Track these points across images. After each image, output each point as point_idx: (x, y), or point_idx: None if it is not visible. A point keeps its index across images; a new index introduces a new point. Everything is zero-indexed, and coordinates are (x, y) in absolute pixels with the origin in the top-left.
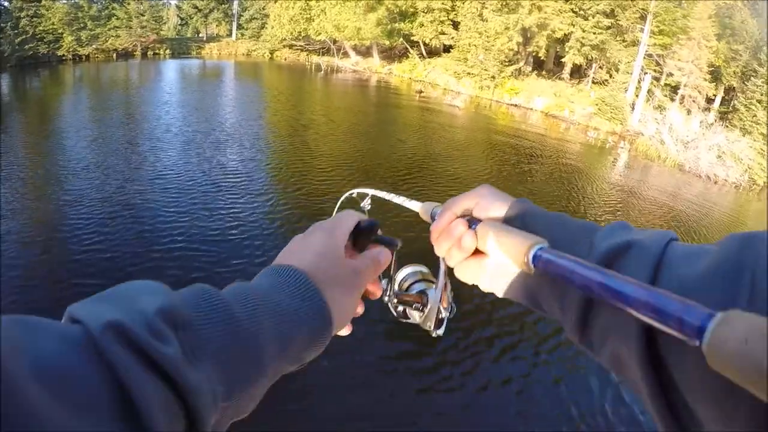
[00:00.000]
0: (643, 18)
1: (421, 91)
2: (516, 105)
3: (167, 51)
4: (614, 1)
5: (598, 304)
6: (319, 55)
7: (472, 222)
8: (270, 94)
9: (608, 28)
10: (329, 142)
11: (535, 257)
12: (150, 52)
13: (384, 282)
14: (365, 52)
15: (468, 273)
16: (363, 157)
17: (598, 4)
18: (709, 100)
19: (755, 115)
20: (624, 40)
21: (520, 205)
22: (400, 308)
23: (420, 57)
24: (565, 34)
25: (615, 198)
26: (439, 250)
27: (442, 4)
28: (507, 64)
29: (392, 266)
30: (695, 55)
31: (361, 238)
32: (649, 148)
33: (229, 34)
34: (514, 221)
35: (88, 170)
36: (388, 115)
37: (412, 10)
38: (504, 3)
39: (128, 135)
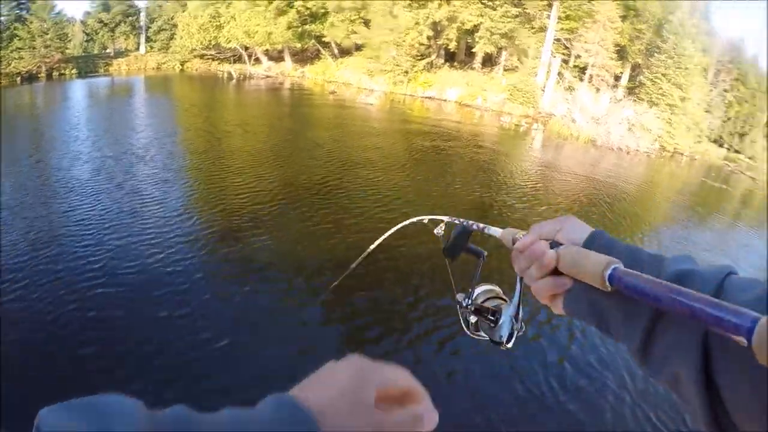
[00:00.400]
0: (549, 5)
1: (334, 92)
2: (430, 97)
3: (73, 71)
4: None
5: (659, 332)
6: (231, 63)
7: (554, 245)
8: (182, 108)
9: (516, 16)
10: (245, 154)
11: (611, 276)
12: (55, 73)
13: (460, 295)
14: (277, 57)
15: (544, 292)
16: (281, 167)
17: None
18: (617, 78)
19: (661, 88)
20: (533, 27)
21: (598, 234)
22: (473, 319)
23: (333, 57)
24: (474, 25)
25: (535, 175)
26: (519, 268)
27: (353, 2)
28: (419, 58)
29: (475, 277)
30: (601, 36)
31: (455, 243)
32: (561, 128)
33: (138, 48)
34: (591, 247)
35: None
36: (302, 119)
37: (322, 10)
38: None
39: (35, 168)
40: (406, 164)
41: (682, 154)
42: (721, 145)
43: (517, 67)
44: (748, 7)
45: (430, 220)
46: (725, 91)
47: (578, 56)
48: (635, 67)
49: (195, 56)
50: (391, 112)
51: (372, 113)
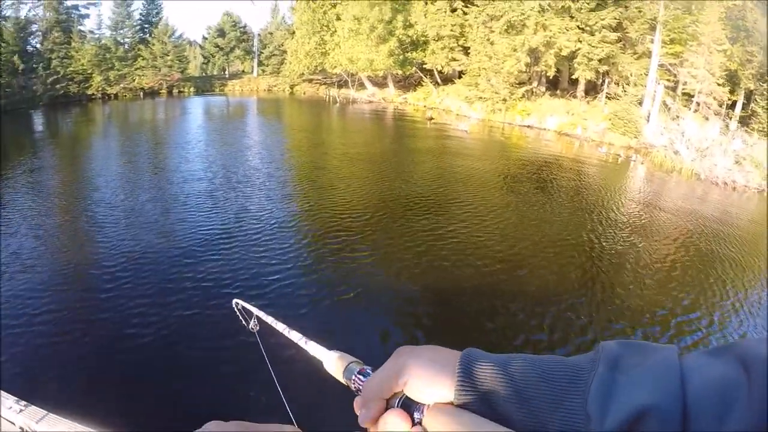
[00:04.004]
0: (653, 28)
1: (431, 118)
2: (529, 126)
3: (191, 89)
4: (621, 15)
5: None
6: (336, 87)
7: (413, 407)
8: (290, 131)
9: (617, 41)
10: (348, 178)
11: None
12: (175, 90)
13: None
14: (381, 83)
15: None
16: (384, 191)
17: (603, 19)
18: (731, 106)
19: None
20: (635, 53)
21: (468, 378)
22: None
23: (435, 84)
24: (572, 51)
25: (635, 210)
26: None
27: (451, 31)
28: (517, 85)
29: None
30: (707, 60)
31: None
32: (664, 160)
33: (251, 71)
34: (471, 400)
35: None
36: (402, 145)
37: (423, 38)
38: (510, 25)
39: (156, 184)
40: (503, 191)
41: None
42: None
43: (619, 95)
44: None
45: (242, 307)
46: None
47: (685, 83)
48: (749, 94)
49: (303, 80)
50: (489, 140)
51: (466, 140)
